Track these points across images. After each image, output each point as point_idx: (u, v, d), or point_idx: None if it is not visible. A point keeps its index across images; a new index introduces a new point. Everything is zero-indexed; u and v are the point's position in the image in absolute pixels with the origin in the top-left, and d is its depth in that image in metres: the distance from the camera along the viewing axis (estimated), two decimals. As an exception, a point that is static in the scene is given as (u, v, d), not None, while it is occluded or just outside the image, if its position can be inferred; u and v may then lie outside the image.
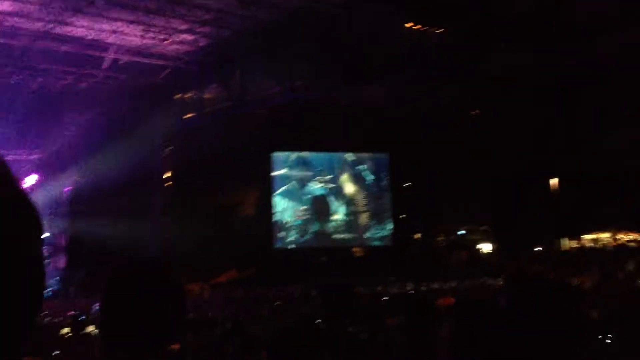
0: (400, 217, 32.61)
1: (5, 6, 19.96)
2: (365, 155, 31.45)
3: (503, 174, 28.10)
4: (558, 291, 2.49)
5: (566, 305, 2.49)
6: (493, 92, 25.88)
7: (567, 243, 31.47)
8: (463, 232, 34.29)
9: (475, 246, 32.95)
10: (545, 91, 25.63)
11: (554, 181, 31.16)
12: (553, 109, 26.83)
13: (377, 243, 30.42)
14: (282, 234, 28.67)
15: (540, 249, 31.20)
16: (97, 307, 1.90)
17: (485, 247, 32.82)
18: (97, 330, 15.36)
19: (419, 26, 21.06)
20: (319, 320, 4.27)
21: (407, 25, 21.12)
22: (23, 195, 0.97)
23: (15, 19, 20.98)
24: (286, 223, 28.81)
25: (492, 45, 20.99)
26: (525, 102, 26.52)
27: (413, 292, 21.37)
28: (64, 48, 23.43)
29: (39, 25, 21.37)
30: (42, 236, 0.99)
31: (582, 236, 32.26)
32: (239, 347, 3.93)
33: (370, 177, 31.08)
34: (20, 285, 0.92)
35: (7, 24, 21.20)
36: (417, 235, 34.53)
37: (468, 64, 22.72)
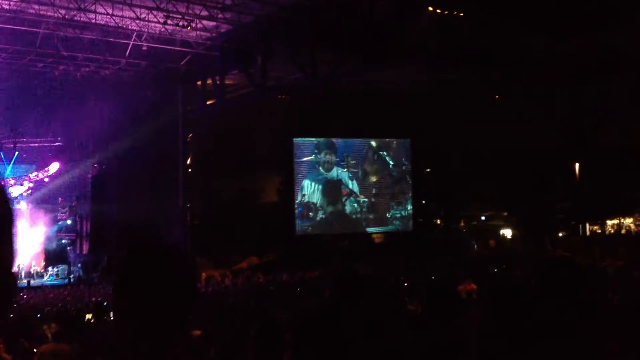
0: (422, 202, 32.58)
1: (29, -6, 20.12)
2: (387, 140, 31.55)
3: (525, 159, 27.87)
4: (584, 276, 2.47)
5: (592, 289, 2.47)
6: (517, 76, 25.62)
7: (590, 228, 31.20)
8: (484, 217, 34.14)
9: (497, 232, 32.77)
10: (570, 75, 25.32)
11: (577, 166, 30.87)
12: (578, 93, 26.52)
13: (397, 223, 31.20)
14: (311, 213, 30.05)
15: (563, 234, 30.98)
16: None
17: (508, 233, 32.64)
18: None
19: (441, 10, 20.85)
20: (334, 306, 4.27)
21: (430, 9, 20.91)
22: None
23: (38, 6, 21.12)
24: (315, 203, 30.09)
25: (515, 29, 20.74)
26: (548, 86, 26.24)
27: (434, 277, 21.31)
28: (86, 35, 23.56)
29: (61, 12, 21.50)
30: (13, 228, 1.04)
31: (605, 221, 31.97)
32: (261, 332, 3.95)
33: (392, 162, 31.46)
34: None
35: (30, 11, 21.36)
36: (438, 221, 34.46)
37: (491, 49, 22.49)
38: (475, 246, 30.54)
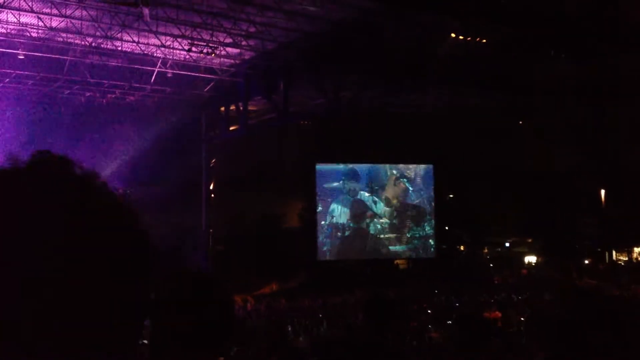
0: (445, 228, 32.40)
1: (57, 23, 20.49)
2: (407, 167, 31.63)
3: (549, 184, 27.62)
4: (612, 306, 2.42)
5: (621, 320, 2.41)
6: (540, 102, 25.50)
7: (617, 255, 30.73)
8: (507, 244, 33.81)
9: (521, 258, 32.40)
10: (592, 100, 25.14)
11: (602, 192, 30.51)
12: (603, 116, 26.29)
13: (416, 242, 31.98)
14: (339, 233, 31.39)
15: (589, 261, 30.53)
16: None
17: (532, 259, 32.25)
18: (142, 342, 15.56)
19: (464, 37, 20.88)
20: (362, 332, 4.24)
21: (452, 35, 20.95)
22: (118, 206, 0.99)
23: (66, 34, 21.51)
24: (343, 224, 31.39)
25: (538, 55, 20.72)
26: (572, 111, 26.07)
27: (458, 304, 21.11)
28: (112, 62, 23.93)
29: (88, 40, 21.88)
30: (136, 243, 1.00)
31: (632, 248, 31.48)
32: (284, 358, 3.92)
33: (412, 188, 31.91)
34: (127, 289, 0.93)
35: (58, 39, 21.76)
36: (462, 247, 34.19)
37: (514, 75, 22.45)
38: (500, 273, 30.19)
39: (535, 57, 21.06)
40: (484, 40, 21.25)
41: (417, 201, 32.09)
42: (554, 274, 26.98)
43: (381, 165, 31.49)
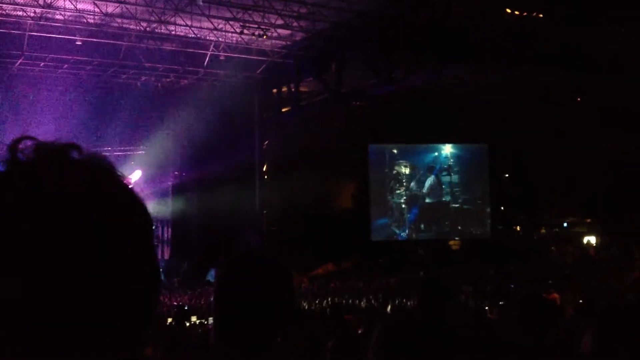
0: (501, 208, 31.93)
1: (112, 9, 20.86)
2: (463, 145, 31.12)
3: (610, 164, 26.87)
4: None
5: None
6: (598, 78, 24.75)
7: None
8: (565, 224, 33.10)
9: (580, 239, 31.71)
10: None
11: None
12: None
13: (471, 223, 31.12)
14: (393, 214, 30.77)
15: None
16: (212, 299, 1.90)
17: (592, 240, 31.52)
18: (199, 321, 15.82)
19: (519, 12, 20.38)
20: (419, 314, 4.20)
21: (507, 10, 20.47)
22: (129, 189, 0.93)
23: (121, 20, 21.88)
24: (396, 204, 30.84)
25: (595, 29, 20.06)
26: (632, 85, 25.20)
27: (513, 285, 20.85)
28: (166, 47, 24.24)
29: (143, 25, 22.21)
30: (151, 228, 0.96)
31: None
32: (341, 339, 3.91)
33: (469, 167, 31.17)
34: (135, 280, 0.90)
35: (114, 25, 22.15)
36: (518, 227, 33.67)
37: (571, 51, 21.82)
38: (557, 254, 29.62)
39: (594, 32, 20.40)
40: (540, 15, 20.71)
41: (473, 182, 31.51)
42: (613, 254, 26.33)
43: (435, 145, 31.01)
